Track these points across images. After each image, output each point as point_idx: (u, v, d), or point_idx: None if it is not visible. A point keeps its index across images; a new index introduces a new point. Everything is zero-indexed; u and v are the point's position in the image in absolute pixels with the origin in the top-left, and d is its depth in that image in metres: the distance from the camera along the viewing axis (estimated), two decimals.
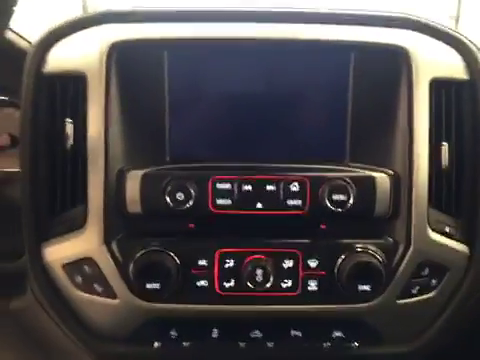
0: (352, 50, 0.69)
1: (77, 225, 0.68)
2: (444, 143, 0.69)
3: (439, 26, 0.71)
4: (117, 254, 0.67)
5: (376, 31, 0.69)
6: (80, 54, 0.67)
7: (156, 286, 0.65)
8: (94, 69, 0.66)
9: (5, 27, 0.65)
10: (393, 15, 0.71)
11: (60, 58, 0.68)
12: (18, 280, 0.76)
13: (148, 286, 0.65)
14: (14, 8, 0.64)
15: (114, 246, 0.67)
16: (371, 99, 0.69)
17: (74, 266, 0.68)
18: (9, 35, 0.66)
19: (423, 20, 0.71)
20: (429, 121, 0.68)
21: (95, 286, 0.68)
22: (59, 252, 0.69)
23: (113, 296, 0.68)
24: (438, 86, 0.69)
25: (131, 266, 0.65)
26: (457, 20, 3.83)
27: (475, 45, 0.71)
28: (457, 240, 0.70)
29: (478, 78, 0.69)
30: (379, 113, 0.70)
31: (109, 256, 0.67)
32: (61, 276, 0.69)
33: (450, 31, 0.71)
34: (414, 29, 0.70)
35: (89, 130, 0.66)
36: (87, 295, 0.69)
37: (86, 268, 0.67)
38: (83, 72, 0.67)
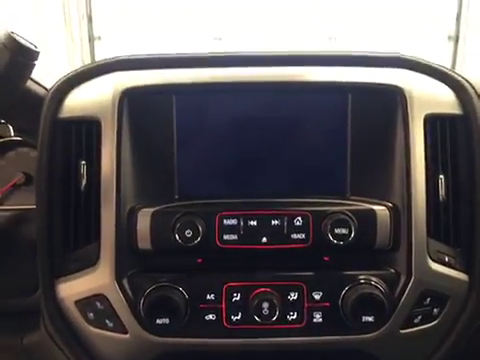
0: (349, 90, 0.72)
1: (90, 262, 0.70)
2: (441, 175, 0.72)
3: (432, 64, 0.75)
4: (128, 290, 0.69)
5: (371, 71, 0.72)
6: (94, 100, 0.71)
7: (166, 321, 0.66)
8: (107, 114, 0.69)
9: (26, 79, 0.69)
10: (387, 55, 0.75)
11: (75, 104, 0.72)
12: (31, 316, 0.78)
13: (158, 321, 0.66)
14: (35, 62, 0.68)
15: (125, 282, 0.69)
16: (369, 135, 0.72)
17: (86, 302, 0.70)
18: (27, 83, 0.70)
19: (416, 59, 0.75)
20: (425, 155, 0.70)
21: (106, 321, 0.70)
22: (72, 288, 0.71)
23: (124, 331, 0.69)
24: (433, 121, 0.72)
25: (141, 301, 0.67)
26: (456, 40, 3.90)
27: (466, 80, 0.75)
28: (457, 269, 0.72)
29: (471, 112, 0.72)
30: (377, 149, 0.72)
31: (120, 292, 0.68)
32: (74, 312, 0.71)
33: (442, 68, 0.75)
34: (408, 68, 0.74)
35: (102, 171, 0.69)
36: (99, 330, 0.70)
37: (98, 304, 0.69)
38: (97, 117, 0.70)
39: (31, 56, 0.67)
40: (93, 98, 0.71)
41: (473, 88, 0.74)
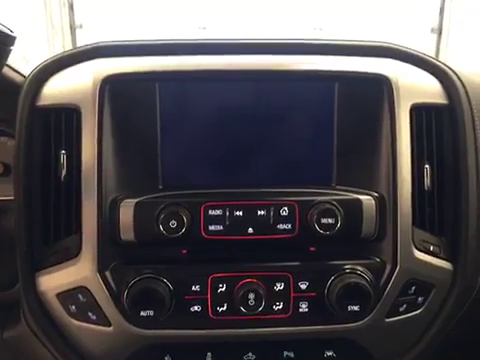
0: (336, 79, 0.71)
1: (71, 254, 0.68)
2: (426, 165, 0.72)
3: (418, 54, 0.75)
4: (111, 282, 0.68)
5: (358, 60, 0.72)
6: (74, 88, 0.69)
7: (150, 313, 0.65)
8: (88, 102, 0.67)
9: (2, 66, 0.67)
10: (374, 45, 0.74)
11: (54, 92, 0.69)
12: (12, 309, 0.76)
13: (142, 313, 0.65)
14: (11, 48, 0.65)
15: (108, 274, 0.68)
16: (355, 125, 0.72)
17: (68, 295, 0.68)
18: (4, 69, 0.68)
19: (402, 48, 0.75)
20: (411, 145, 0.71)
21: (89, 314, 0.68)
22: (53, 281, 0.69)
23: (107, 324, 0.68)
24: (419, 111, 0.72)
25: (125, 294, 0.65)
26: (439, 33, 3.93)
27: (452, 70, 0.75)
28: (441, 258, 0.72)
29: (457, 102, 0.72)
30: (363, 138, 0.72)
31: (103, 284, 0.67)
32: (55, 305, 0.70)
33: (428, 58, 0.75)
34: (394, 57, 0.73)
35: (83, 161, 0.68)
36: (81, 323, 0.69)
37: (80, 297, 0.68)
38: (77, 105, 0.68)
39: (7, 41, 0.64)
40: (73, 85, 0.69)
41: (459, 78, 0.74)
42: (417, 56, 0.74)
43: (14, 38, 0.65)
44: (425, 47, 3.60)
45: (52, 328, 0.71)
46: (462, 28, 3.59)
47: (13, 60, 0.70)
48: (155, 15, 3.57)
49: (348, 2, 3.69)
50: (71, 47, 3.54)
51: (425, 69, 0.74)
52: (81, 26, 3.63)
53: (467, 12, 3.52)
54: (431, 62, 0.74)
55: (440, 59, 0.77)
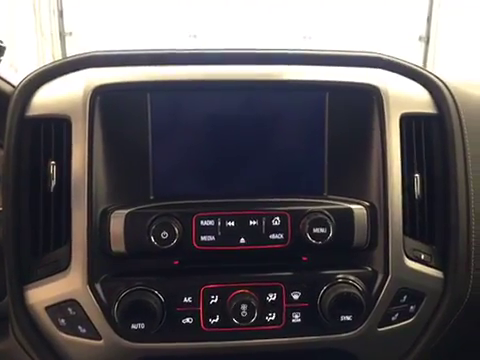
0: (326, 90, 0.72)
1: (60, 267, 0.67)
2: (416, 174, 0.72)
3: (407, 64, 0.76)
4: (101, 295, 0.67)
5: (348, 71, 0.72)
6: (64, 98, 0.68)
7: (141, 326, 0.64)
8: (78, 112, 0.67)
9: None
10: (364, 55, 0.75)
11: (44, 102, 0.69)
12: (0, 322, 0.75)
13: (133, 326, 0.64)
14: (1, 58, 0.64)
15: (98, 287, 0.67)
16: (346, 135, 0.72)
17: (57, 308, 0.67)
18: None
19: (392, 59, 0.75)
20: (401, 154, 0.71)
21: (79, 328, 0.67)
22: (42, 294, 0.68)
23: (97, 337, 0.67)
24: (408, 120, 0.72)
25: (115, 306, 0.65)
26: (427, 41, 3.99)
27: (441, 81, 0.76)
28: (432, 267, 0.73)
29: (446, 112, 0.73)
30: (354, 148, 0.72)
31: (93, 297, 0.66)
32: (44, 318, 0.68)
33: (417, 69, 0.76)
34: (383, 67, 0.74)
35: (73, 171, 0.67)
36: (71, 337, 0.68)
37: (70, 310, 0.67)
38: (67, 115, 0.67)
39: None
40: (63, 95, 0.68)
41: (447, 88, 0.75)
42: (406, 66, 0.75)
43: (3, 48, 0.65)
44: (413, 55, 3.65)
45: (41, 342, 0.70)
46: (449, 36, 3.65)
47: (1, 69, 0.69)
48: (145, 23, 3.57)
49: (337, 11, 3.73)
50: (61, 55, 3.53)
51: (414, 79, 0.75)
52: (71, 34, 3.62)
53: (454, 21, 3.58)
54: (420, 72, 0.75)
55: (428, 67, 0.78)
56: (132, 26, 3.54)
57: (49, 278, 0.67)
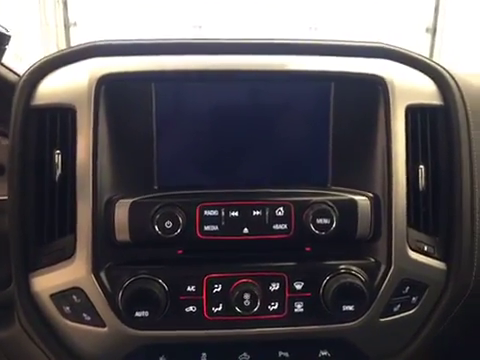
0: (332, 80, 0.71)
1: (65, 255, 0.68)
2: (421, 166, 0.72)
3: (413, 55, 0.75)
4: (106, 283, 0.67)
5: (354, 61, 0.72)
6: (69, 87, 0.68)
7: (145, 314, 0.65)
8: (83, 102, 0.67)
9: None
10: (370, 45, 0.74)
11: (49, 91, 0.69)
12: (5, 310, 0.76)
13: (137, 314, 0.65)
14: (6, 47, 0.64)
15: (102, 275, 0.67)
16: (351, 125, 0.72)
17: (62, 296, 0.68)
18: None
19: (398, 49, 0.75)
20: (406, 145, 0.71)
21: (84, 315, 0.68)
22: (47, 282, 0.69)
23: (102, 325, 0.68)
24: (414, 112, 0.72)
25: (120, 294, 0.65)
26: (434, 33, 3.95)
27: (447, 72, 0.75)
28: (435, 258, 0.73)
29: (452, 103, 0.72)
30: (359, 139, 0.72)
31: (98, 285, 0.67)
32: (49, 306, 0.69)
33: (424, 59, 0.75)
34: (390, 58, 0.74)
35: (78, 160, 0.67)
36: (75, 324, 0.69)
37: (74, 298, 0.67)
38: (72, 105, 0.67)
39: (2, 40, 0.63)
40: (68, 85, 0.68)
41: (453, 79, 0.74)
42: (412, 57, 0.75)
43: (9, 37, 0.65)
44: (420, 46, 3.61)
45: (46, 329, 0.70)
46: (457, 28, 3.61)
47: (7, 58, 0.69)
48: (150, 13, 3.56)
49: (343, 2, 3.69)
50: (65, 45, 3.52)
51: (420, 70, 0.74)
52: (75, 24, 3.61)
53: (462, 12, 3.54)
54: (426, 63, 0.75)
55: (434, 58, 0.77)
56: (137, 17, 3.53)
57: (54, 266, 0.68)
